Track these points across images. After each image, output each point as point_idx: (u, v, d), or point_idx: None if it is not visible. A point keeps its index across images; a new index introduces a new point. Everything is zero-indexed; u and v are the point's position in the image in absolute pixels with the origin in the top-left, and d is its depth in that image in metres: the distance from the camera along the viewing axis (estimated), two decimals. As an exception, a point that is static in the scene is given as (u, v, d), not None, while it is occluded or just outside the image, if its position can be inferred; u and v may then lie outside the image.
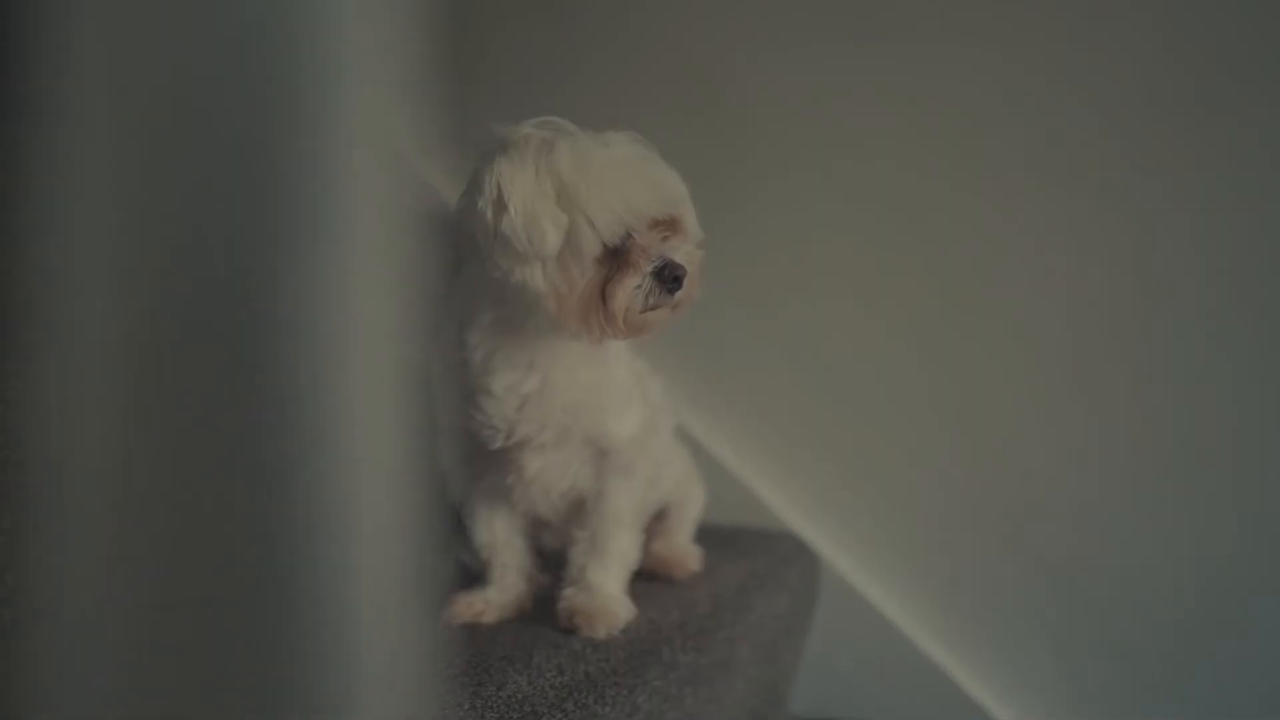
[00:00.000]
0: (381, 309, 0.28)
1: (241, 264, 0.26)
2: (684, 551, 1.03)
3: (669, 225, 0.76)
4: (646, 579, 0.97)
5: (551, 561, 0.94)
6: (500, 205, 0.71)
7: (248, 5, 0.26)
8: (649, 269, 0.73)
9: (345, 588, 0.27)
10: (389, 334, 0.29)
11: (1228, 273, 1.11)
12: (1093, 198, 1.16)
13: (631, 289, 0.73)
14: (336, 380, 0.27)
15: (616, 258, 0.73)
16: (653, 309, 0.74)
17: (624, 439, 0.85)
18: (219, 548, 0.27)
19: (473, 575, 0.91)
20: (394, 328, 0.29)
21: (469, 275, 0.79)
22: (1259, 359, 1.10)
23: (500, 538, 0.89)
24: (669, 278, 0.73)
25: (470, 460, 0.86)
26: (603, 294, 0.73)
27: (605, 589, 0.86)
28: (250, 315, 0.26)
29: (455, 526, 0.91)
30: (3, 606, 0.62)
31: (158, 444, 0.26)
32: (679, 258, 0.74)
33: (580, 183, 0.71)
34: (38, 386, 0.27)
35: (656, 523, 1.03)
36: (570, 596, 0.86)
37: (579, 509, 0.88)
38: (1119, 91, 1.13)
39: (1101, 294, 1.16)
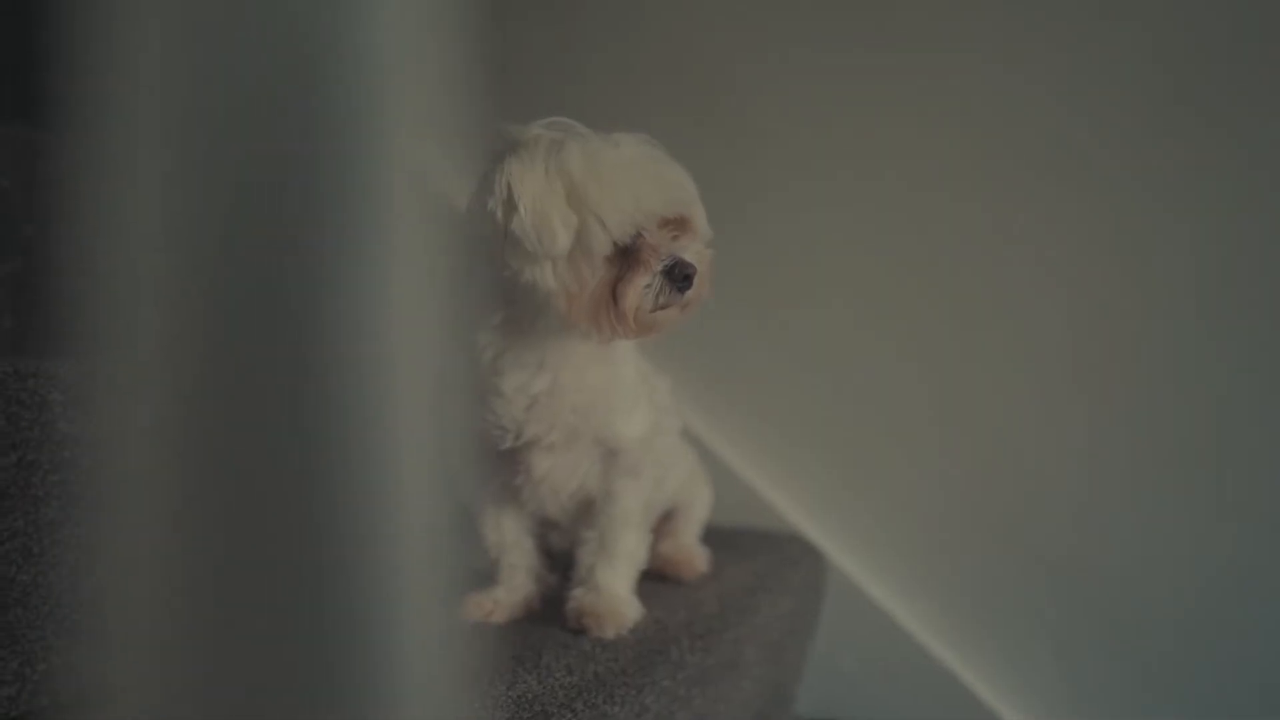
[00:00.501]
0: (423, 310, 0.28)
1: (289, 266, 0.26)
2: (691, 552, 1.04)
3: (679, 224, 0.76)
4: (654, 579, 0.97)
5: (559, 562, 0.94)
6: (510, 205, 0.72)
7: (296, 11, 0.26)
8: (659, 268, 0.73)
9: (391, 586, 0.28)
10: (429, 335, 0.29)
11: (1225, 274, 1.12)
12: (1092, 202, 1.17)
13: (642, 287, 0.73)
14: (381, 380, 0.27)
15: (627, 257, 0.73)
16: (663, 308, 0.74)
17: (632, 439, 0.85)
18: (266, 547, 0.27)
19: (480, 576, 0.91)
20: (434, 328, 0.29)
21: (478, 276, 0.79)
22: (1258, 359, 1.11)
23: (509, 538, 0.89)
24: (679, 276, 0.73)
25: (479, 461, 0.86)
26: (613, 293, 0.73)
27: (613, 589, 0.86)
28: (297, 317, 0.26)
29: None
30: (18, 607, 0.62)
31: (204, 445, 0.27)
32: (689, 256, 0.74)
33: (590, 182, 0.72)
34: (87, 388, 0.28)
35: (664, 523, 1.03)
36: (579, 597, 0.86)
37: (587, 509, 0.88)
38: (1117, 99, 1.14)
39: (1101, 297, 1.17)
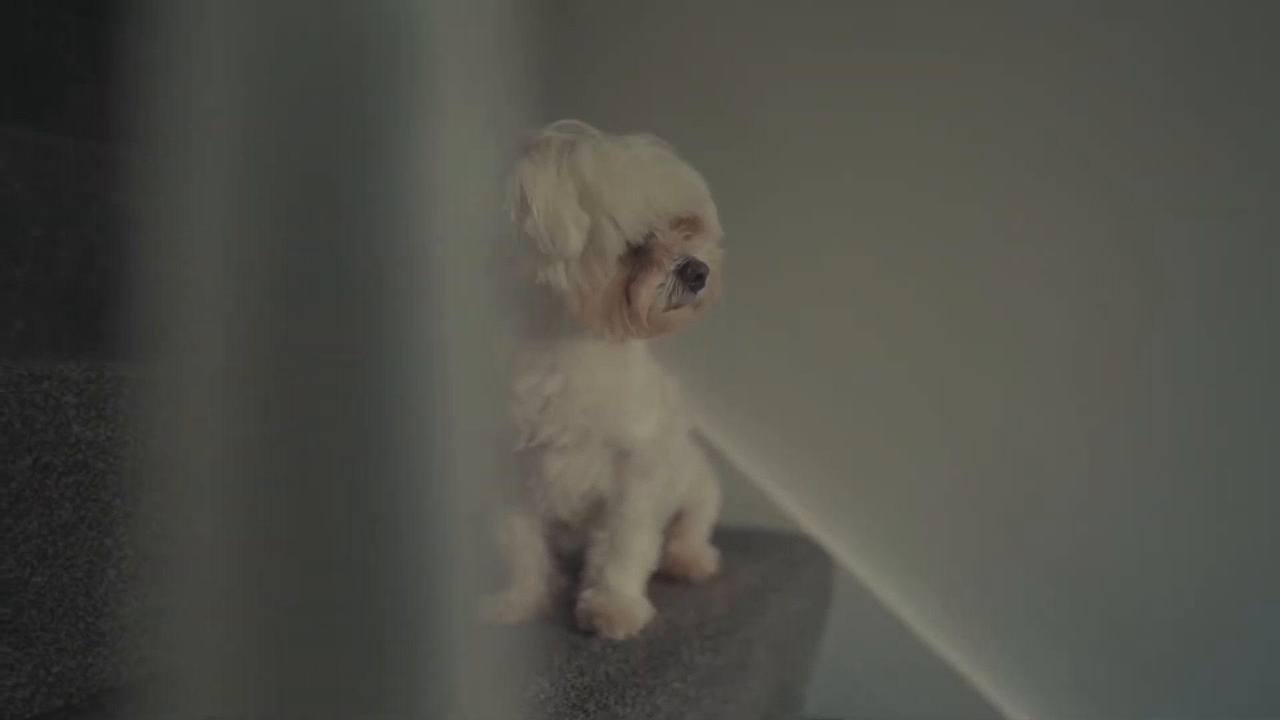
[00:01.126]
0: (475, 310, 0.29)
1: (347, 265, 0.27)
2: (700, 553, 1.04)
3: (690, 224, 0.76)
4: (663, 580, 0.97)
5: (569, 564, 0.94)
6: (523, 207, 0.72)
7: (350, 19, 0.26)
8: (672, 267, 0.73)
9: (445, 585, 0.28)
10: (481, 336, 0.29)
11: (1226, 274, 1.12)
12: (1093, 203, 1.18)
13: (655, 287, 0.73)
14: (440, 385, 0.27)
15: (639, 257, 0.74)
16: (676, 307, 0.75)
17: (643, 441, 0.85)
18: (328, 548, 0.27)
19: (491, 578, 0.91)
20: (485, 329, 0.29)
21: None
22: (1259, 359, 1.11)
23: (520, 540, 0.89)
24: (692, 275, 0.74)
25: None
26: (626, 293, 0.73)
27: (624, 590, 0.86)
28: (356, 318, 0.27)
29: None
30: (33, 609, 0.62)
31: (269, 447, 0.27)
32: (701, 256, 0.74)
33: (602, 182, 0.72)
34: (158, 391, 0.28)
35: (673, 524, 1.03)
36: (589, 598, 0.85)
37: (598, 511, 0.88)
38: (1119, 101, 1.15)
39: (1103, 297, 1.18)
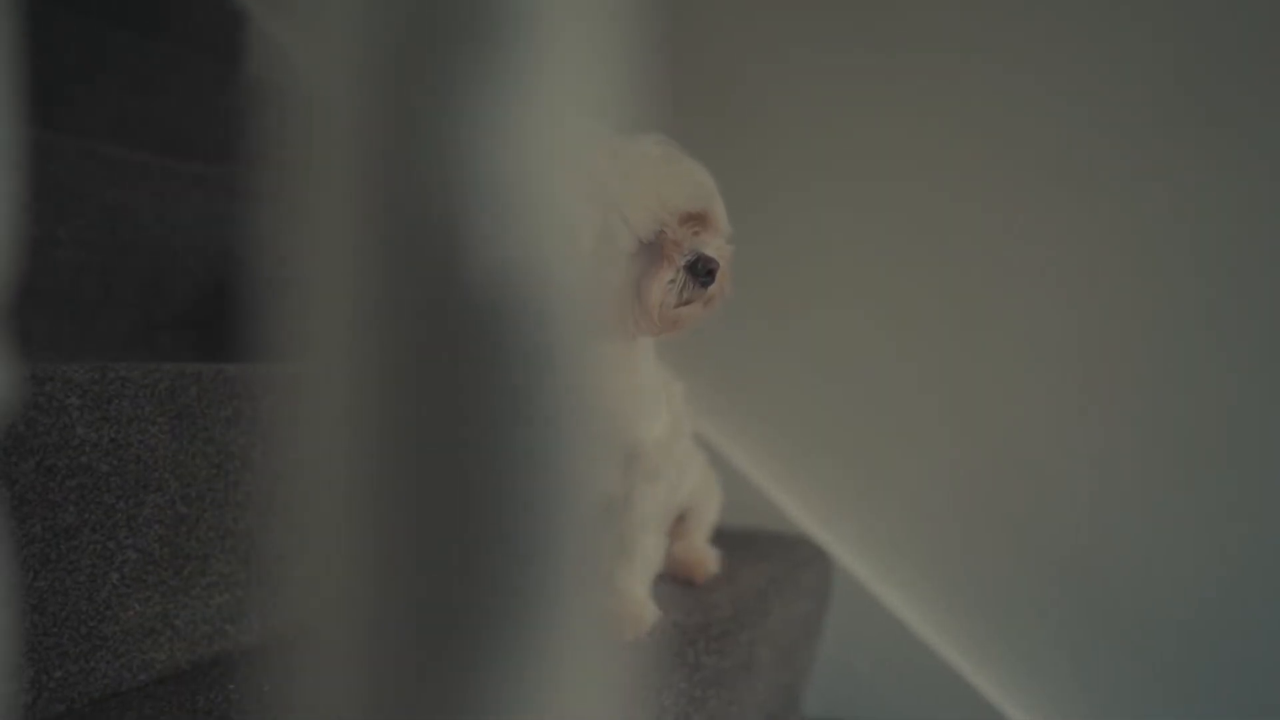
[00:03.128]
0: (589, 318, 0.29)
1: (467, 268, 0.26)
2: (703, 554, 1.03)
3: (699, 220, 0.75)
4: (665, 582, 0.97)
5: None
6: None
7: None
8: (682, 263, 0.73)
9: (559, 584, 0.28)
10: (589, 334, 0.29)
11: (1231, 276, 1.12)
12: (1098, 204, 1.18)
13: (666, 283, 0.73)
14: (551, 377, 0.27)
15: (649, 253, 0.73)
16: (687, 303, 0.74)
17: (651, 443, 0.84)
18: (453, 547, 0.27)
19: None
20: (591, 326, 0.29)
21: None
22: (1267, 360, 1.11)
23: None
24: (702, 271, 0.73)
25: None
26: (637, 290, 0.73)
27: (631, 592, 0.85)
28: (475, 321, 0.26)
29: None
30: (35, 614, 0.61)
31: (393, 449, 0.26)
32: (710, 251, 0.74)
33: (612, 179, 0.71)
34: (286, 392, 0.27)
35: (675, 525, 1.02)
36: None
37: (605, 513, 0.88)
38: (1127, 103, 1.15)
39: (1109, 299, 1.18)
